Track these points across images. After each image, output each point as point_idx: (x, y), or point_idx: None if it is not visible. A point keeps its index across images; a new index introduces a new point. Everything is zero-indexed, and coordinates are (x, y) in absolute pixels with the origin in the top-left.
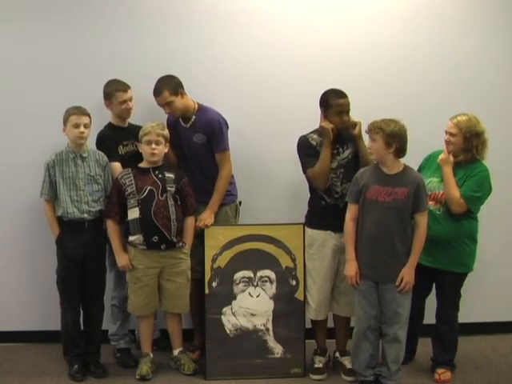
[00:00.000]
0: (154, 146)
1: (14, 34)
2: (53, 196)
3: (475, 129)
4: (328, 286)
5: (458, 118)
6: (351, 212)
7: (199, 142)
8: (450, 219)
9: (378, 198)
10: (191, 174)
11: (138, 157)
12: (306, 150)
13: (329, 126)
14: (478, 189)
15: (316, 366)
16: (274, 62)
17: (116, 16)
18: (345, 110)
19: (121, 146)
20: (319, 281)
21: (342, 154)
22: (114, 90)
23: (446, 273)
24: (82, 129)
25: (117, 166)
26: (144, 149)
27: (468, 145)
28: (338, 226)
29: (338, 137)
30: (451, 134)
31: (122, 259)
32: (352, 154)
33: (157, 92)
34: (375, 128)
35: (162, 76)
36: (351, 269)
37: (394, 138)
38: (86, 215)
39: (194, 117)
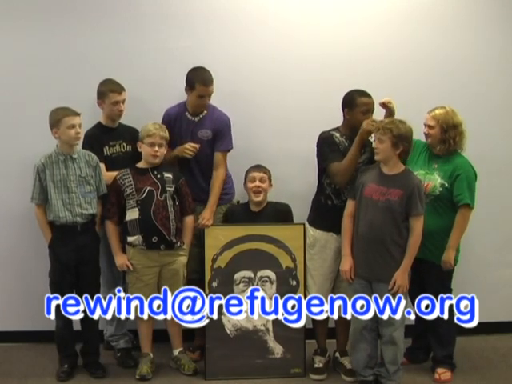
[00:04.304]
0: (157, 148)
1: (13, 32)
2: (44, 200)
3: (452, 120)
4: (328, 286)
5: (436, 111)
6: (349, 208)
7: (204, 137)
8: (432, 213)
9: (372, 196)
10: (189, 171)
11: (125, 158)
12: (331, 146)
13: (369, 127)
14: (471, 187)
15: (316, 366)
16: (274, 62)
17: (115, 16)
18: (370, 108)
19: (106, 147)
20: (319, 281)
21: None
22: (107, 90)
23: (431, 265)
24: (77, 129)
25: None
26: (146, 150)
27: (445, 136)
28: (340, 229)
29: None
30: (429, 127)
31: (119, 259)
32: (368, 159)
33: (210, 81)
34: (384, 129)
35: (203, 67)
36: (345, 264)
37: (402, 139)
38: (78, 218)
39: (205, 112)
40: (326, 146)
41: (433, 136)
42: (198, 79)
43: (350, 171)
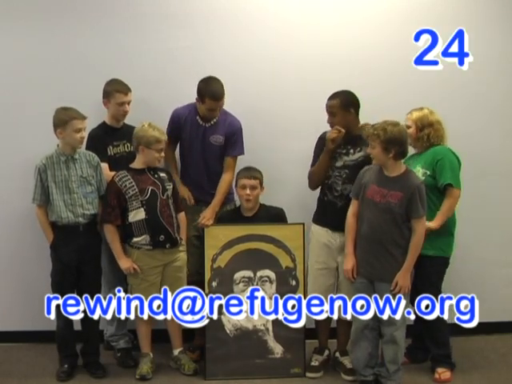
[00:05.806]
0: (162, 153)
1: (13, 32)
2: (45, 201)
3: (427, 119)
4: (324, 282)
5: (412, 112)
6: (353, 207)
7: (215, 143)
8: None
9: (374, 197)
10: (197, 173)
11: (129, 158)
12: (317, 148)
13: (331, 135)
14: (453, 169)
15: (312, 364)
16: (274, 62)
17: (115, 16)
18: (330, 111)
19: (110, 147)
20: (313, 277)
21: (351, 156)
22: (114, 91)
23: (421, 258)
24: (83, 133)
25: (104, 166)
26: (153, 155)
27: (420, 134)
28: (335, 226)
29: (351, 137)
30: (407, 127)
31: (124, 262)
32: (363, 158)
33: (220, 96)
34: (372, 135)
35: (212, 77)
36: (348, 263)
37: (392, 143)
38: (80, 219)
39: (216, 117)
40: (315, 147)
41: (411, 136)
42: (209, 93)
43: (317, 177)
